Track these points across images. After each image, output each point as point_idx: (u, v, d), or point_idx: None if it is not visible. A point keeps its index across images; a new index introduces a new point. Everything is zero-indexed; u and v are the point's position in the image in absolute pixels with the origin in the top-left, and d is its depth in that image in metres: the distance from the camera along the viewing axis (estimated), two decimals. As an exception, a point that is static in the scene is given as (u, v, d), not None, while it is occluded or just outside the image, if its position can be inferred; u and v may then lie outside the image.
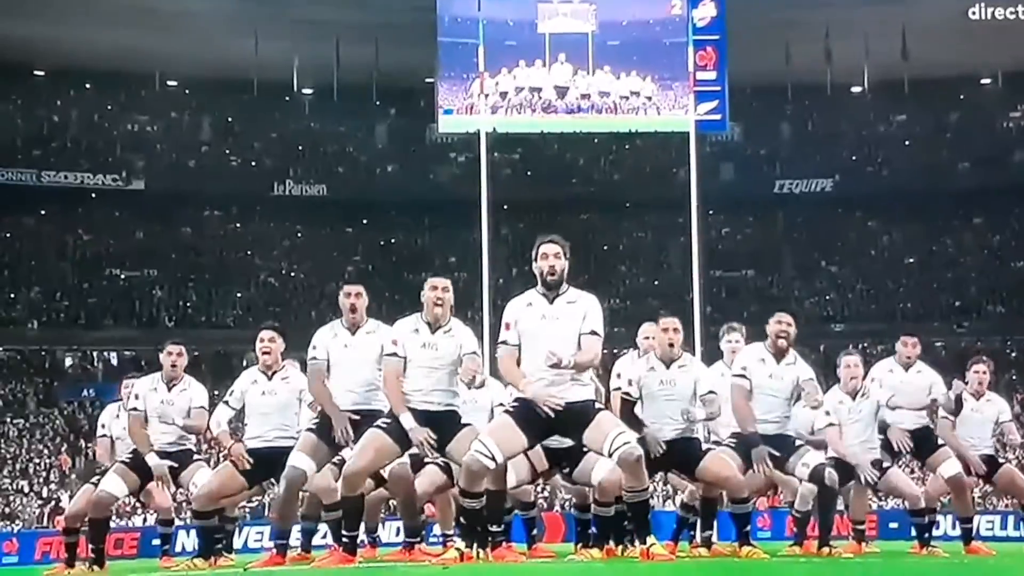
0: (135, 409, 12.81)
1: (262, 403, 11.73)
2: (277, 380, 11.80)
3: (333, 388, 10.76)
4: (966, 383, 13.34)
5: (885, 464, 12.79)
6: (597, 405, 9.77)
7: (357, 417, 10.56)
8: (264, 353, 11.84)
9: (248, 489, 12.04)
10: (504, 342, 9.70)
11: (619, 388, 11.54)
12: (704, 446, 11.33)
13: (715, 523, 12.28)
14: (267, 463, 11.46)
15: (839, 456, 12.14)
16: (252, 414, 11.88)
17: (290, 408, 11.78)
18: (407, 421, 9.89)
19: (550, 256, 9.62)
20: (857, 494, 13.63)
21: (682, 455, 11.12)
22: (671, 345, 11.20)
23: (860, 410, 12.71)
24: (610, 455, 9.47)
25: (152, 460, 12.60)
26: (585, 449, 10.20)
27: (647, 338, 12.00)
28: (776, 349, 11.51)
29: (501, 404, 11.42)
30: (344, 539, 10.58)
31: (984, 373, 13.61)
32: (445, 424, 10.05)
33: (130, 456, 12.96)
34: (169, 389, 12.88)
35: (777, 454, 11.22)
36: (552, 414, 9.34)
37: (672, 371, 11.19)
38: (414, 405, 10.04)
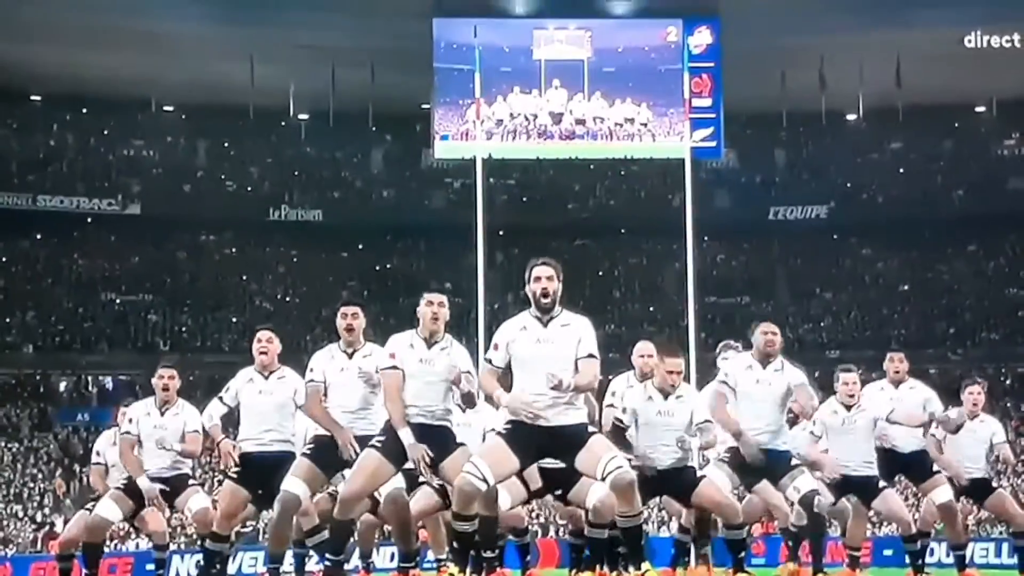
0: (127, 433, 12.79)
1: (258, 402, 11.69)
2: (274, 380, 11.75)
3: (331, 411, 10.75)
4: (961, 404, 13.36)
5: (882, 485, 12.76)
6: (591, 429, 9.70)
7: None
8: (261, 353, 11.80)
9: (251, 501, 11.93)
10: (489, 360, 9.67)
11: (612, 405, 11.58)
12: (699, 473, 11.34)
13: (711, 539, 12.32)
14: (263, 470, 11.38)
15: (812, 460, 12.04)
16: (247, 414, 11.84)
17: (286, 409, 11.74)
18: (406, 437, 9.84)
19: (543, 279, 9.54)
20: (855, 520, 13.63)
21: (677, 482, 11.15)
22: (672, 386, 11.25)
23: (855, 422, 12.62)
24: (603, 479, 9.41)
25: (143, 483, 12.56)
26: (577, 474, 10.20)
27: (642, 356, 12.01)
28: (762, 356, 11.52)
29: (493, 429, 11.44)
30: (328, 563, 10.54)
31: (979, 394, 13.60)
32: (440, 441, 10.02)
33: (124, 481, 12.92)
34: (162, 413, 12.85)
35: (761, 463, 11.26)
36: (532, 417, 9.30)
37: (670, 402, 11.22)
38: (410, 419, 10.02)
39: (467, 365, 10.27)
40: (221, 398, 11.93)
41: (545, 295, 9.54)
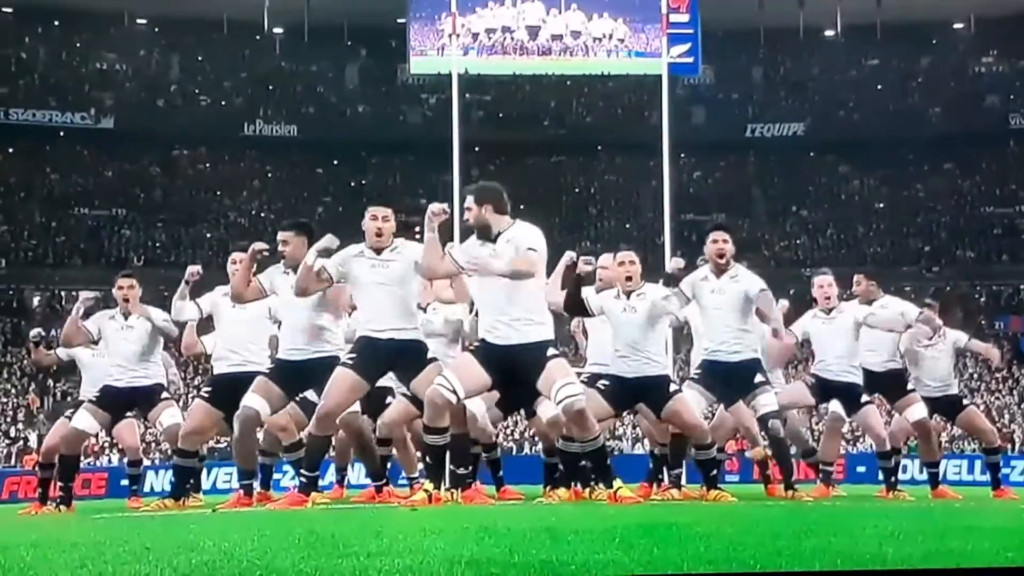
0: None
1: (232, 321, 11.67)
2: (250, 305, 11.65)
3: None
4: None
5: (864, 399, 12.80)
6: (551, 352, 9.69)
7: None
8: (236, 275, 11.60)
9: (226, 420, 11.91)
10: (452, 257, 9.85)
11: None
12: (672, 387, 11.32)
13: (683, 463, 12.37)
14: (236, 390, 11.27)
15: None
16: (221, 333, 11.88)
17: (260, 327, 11.74)
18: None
19: (469, 208, 9.77)
20: (829, 436, 13.72)
21: (651, 393, 11.15)
22: (628, 279, 11.20)
23: (835, 321, 12.65)
24: (557, 403, 9.63)
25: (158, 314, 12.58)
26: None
27: (604, 268, 12.01)
28: (716, 267, 11.47)
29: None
30: (302, 479, 10.54)
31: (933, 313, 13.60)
32: (411, 358, 10.06)
33: (98, 395, 12.88)
34: (126, 318, 12.77)
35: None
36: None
37: (632, 300, 11.19)
38: (373, 334, 10.01)
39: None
40: (196, 301, 11.93)
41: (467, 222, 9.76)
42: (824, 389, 12.71)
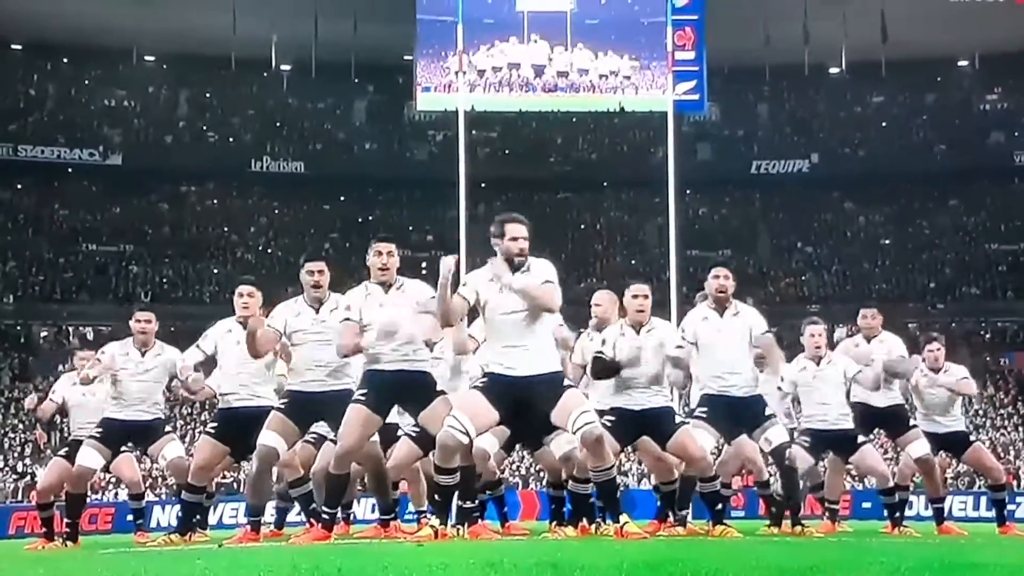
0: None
1: (237, 354, 11.68)
2: None
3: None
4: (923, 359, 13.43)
5: (860, 440, 12.84)
6: (566, 382, 9.74)
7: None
8: (244, 308, 11.73)
9: (231, 455, 11.97)
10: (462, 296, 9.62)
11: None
12: (678, 419, 11.35)
13: (691, 503, 12.35)
14: (241, 424, 11.40)
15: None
16: (226, 367, 11.85)
17: (265, 362, 11.74)
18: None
19: (520, 239, 9.56)
20: (833, 473, 13.71)
21: (655, 424, 11.17)
22: (640, 311, 11.27)
23: (825, 374, 12.71)
24: (573, 432, 9.57)
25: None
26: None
27: (598, 305, 12.05)
28: (717, 304, 11.52)
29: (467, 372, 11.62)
30: (325, 516, 10.58)
31: (938, 350, 13.64)
32: (420, 390, 10.11)
33: (99, 431, 12.91)
34: (143, 355, 12.82)
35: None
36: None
37: (642, 334, 11.25)
38: (384, 367, 10.06)
39: (427, 296, 10.15)
40: (199, 345, 11.92)
41: (521, 255, 9.56)
42: (817, 442, 12.74)
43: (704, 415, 11.55)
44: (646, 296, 11.34)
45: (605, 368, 11.12)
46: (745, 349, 11.44)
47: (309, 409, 10.82)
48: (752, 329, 11.38)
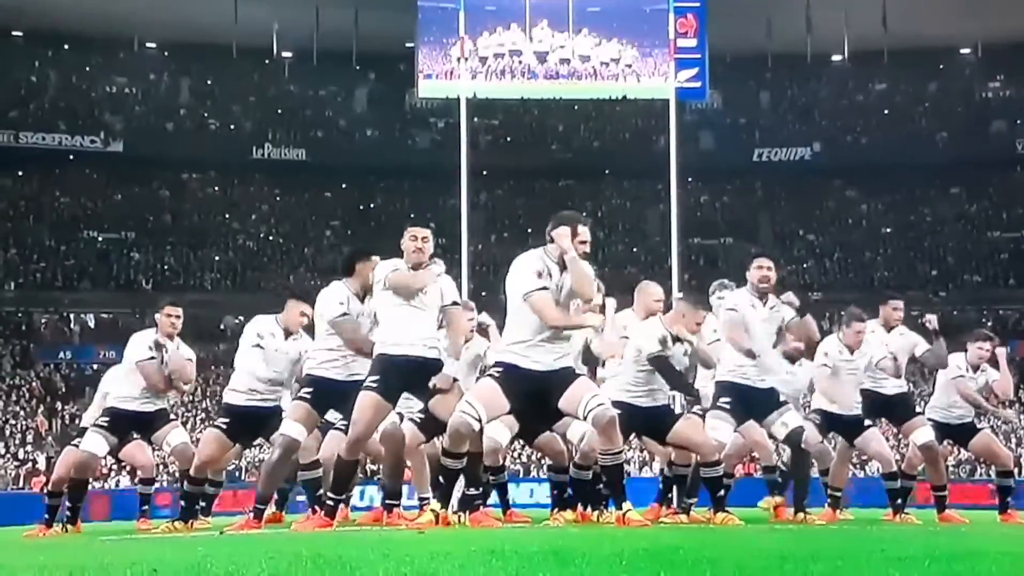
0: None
1: (273, 359, 11.74)
2: (291, 341, 11.85)
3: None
4: (967, 354, 13.49)
5: (866, 424, 12.84)
6: (577, 372, 9.84)
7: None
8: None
9: (237, 449, 12.07)
10: (544, 288, 9.59)
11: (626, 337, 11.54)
12: (676, 411, 11.38)
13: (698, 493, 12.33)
14: (251, 422, 11.65)
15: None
16: (254, 368, 11.86)
17: (292, 367, 11.87)
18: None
19: (588, 242, 10.02)
20: (838, 461, 13.70)
21: (653, 421, 11.17)
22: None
23: (856, 364, 12.75)
24: (584, 417, 9.58)
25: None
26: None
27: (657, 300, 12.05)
28: (760, 294, 11.56)
29: (483, 367, 11.56)
30: (328, 502, 10.55)
31: (987, 351, 13.69)
32: (433, 375, 10.09)
33: (107, 419, 12.97)
34: (165, 350, 12.92)
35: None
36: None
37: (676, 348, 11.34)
38: (404, 351, 10.01)
39: (456, 295, 10.33)
40: (258, 344, 11.83)
41: (585, 257, 9.87)
42: (828, 423, 12.78)
43: (727, 406, 11.55)
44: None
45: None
46: (773, 343, 11.58)
47: (331, 394, 10.75)
48: (785, 318, 11.52)
